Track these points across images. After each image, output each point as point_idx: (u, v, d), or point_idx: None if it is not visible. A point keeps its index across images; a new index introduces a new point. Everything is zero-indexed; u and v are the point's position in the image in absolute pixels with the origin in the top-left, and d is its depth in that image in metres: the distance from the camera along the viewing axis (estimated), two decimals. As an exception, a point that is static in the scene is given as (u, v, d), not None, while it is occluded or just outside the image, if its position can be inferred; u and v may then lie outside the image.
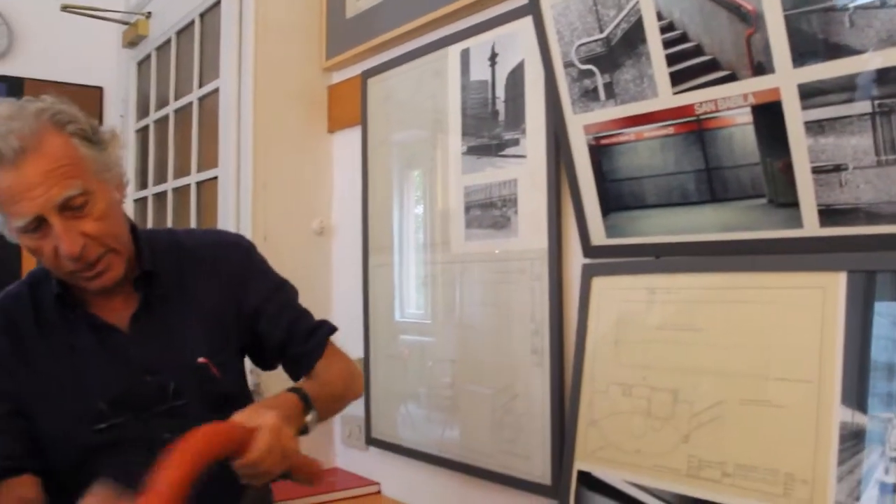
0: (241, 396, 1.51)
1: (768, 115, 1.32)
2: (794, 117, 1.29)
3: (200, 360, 1.44)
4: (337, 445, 2.51)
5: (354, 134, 2.41)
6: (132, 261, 1.41)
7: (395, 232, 2.22)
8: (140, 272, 1.41)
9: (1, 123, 1.20)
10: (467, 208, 1.95)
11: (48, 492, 1.35)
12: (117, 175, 1.35)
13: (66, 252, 1.23)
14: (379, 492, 2.31)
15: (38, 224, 1.23)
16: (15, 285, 1.42)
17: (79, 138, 1.28)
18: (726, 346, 1.41)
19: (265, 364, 1.60)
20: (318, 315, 2.45)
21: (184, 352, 1.43)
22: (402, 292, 2.19)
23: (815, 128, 1.27)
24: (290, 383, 1.48)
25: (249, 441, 1.15)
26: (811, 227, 1.31)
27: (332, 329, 1.58)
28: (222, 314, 1.49)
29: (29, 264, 3.86)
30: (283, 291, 1.59)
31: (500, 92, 1.86)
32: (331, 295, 2.54)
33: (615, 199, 1.59)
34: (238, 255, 1.55)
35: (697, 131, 1.43)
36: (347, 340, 2.41)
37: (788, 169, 1.32)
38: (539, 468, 1.74)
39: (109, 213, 1.30)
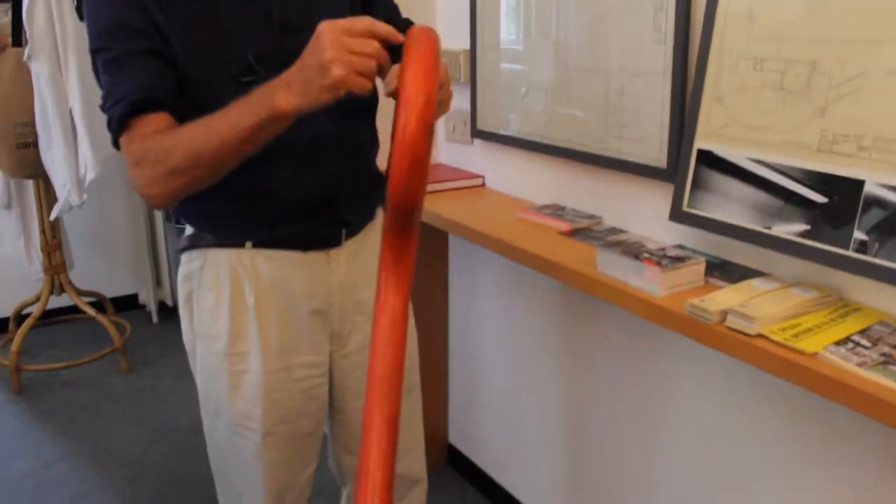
0: None
1: None
2: None
3: None
4: (440, 141, 2.51)
5: None
6: None
7: None
8: None
9: None
10: None
11: None
12: None
13: None
14: (483, 184, 2.33)
15: None
16: None
17: None
18: (877, 11, 1.29)
19: None
20: (421, 6, 2.38)
21: (323, 15, 1.38)
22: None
23: None
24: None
25: None
26: None
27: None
28: None
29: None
30: None
31: None
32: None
33: None
34: None
35: None
36: (452, 32, 2.34)
37: None
38: (654, 151, 1.70)
39: None
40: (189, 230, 1.48)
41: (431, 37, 1.10)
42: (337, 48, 1.06)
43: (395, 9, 1.60)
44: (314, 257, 1.46)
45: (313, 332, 1.49)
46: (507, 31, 2.11)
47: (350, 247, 1.49)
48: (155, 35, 1.28)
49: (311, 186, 1.40)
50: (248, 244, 1.43)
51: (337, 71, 1.06)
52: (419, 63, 1.04)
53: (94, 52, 1.31)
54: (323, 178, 1.41)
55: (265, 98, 1.14)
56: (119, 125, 1.26)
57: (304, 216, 1.42)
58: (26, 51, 3.11)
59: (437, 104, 1.15)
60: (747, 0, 1.47)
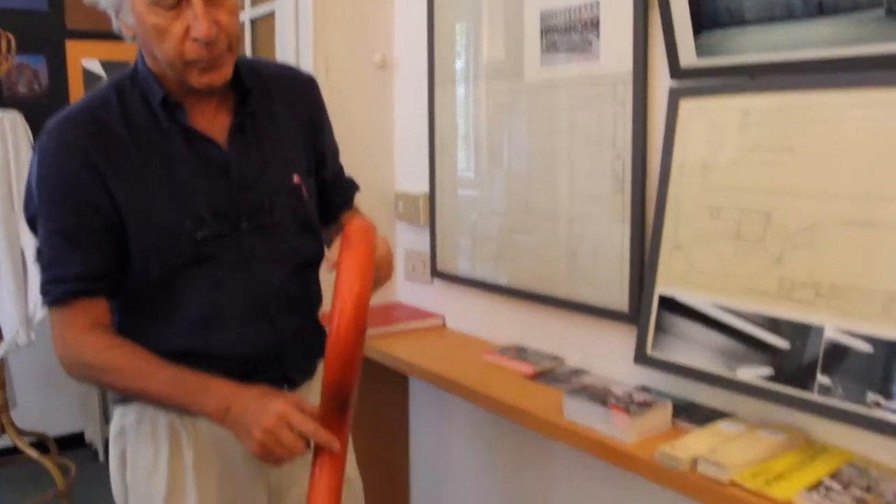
0: (317, 225, 1.52)
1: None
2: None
3: (295, 179, 1.44)
4: (399, 280, 2.53)
5: (416, -40, 2.31)
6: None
7: (462, 62, 2.15)
8: (240, 89, 1.39)
9: None
10: (543, 33, 1.87)
11: (133, 308, 1.37)
12: None
13: (204, 34, 1.21)
14: (444, 325, 2.34)
15: (178, 2, 1.21)
16: (99, 90, 1.36)
17: None
18: (827, 167, 1.36)
19: None
20: (381, 151, 2.44)
21: (279, 171, 1.42)
22: (470, 123, 2.14)
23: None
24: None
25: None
26: (932, 36, 1.24)
27: (358, 188, 1.69)
28: (303, 144, 1.50)
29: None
30: (335, 140, 1.63)
31: None
32: (393, 130, 2.49)
33: (709, 16, 1.51)
34: (314, 93, 1.56)
35: (807, -64, 1.34)
36: (411, 175, 2.40)
37: (912, -27, 1.23)
38: (616, 295, 1.74)
39: (237, 11, 1.30)
40: None
41: (367, 239, 1.18)
42: (269, 435, 1.19)
43: (341, 170, 1.66)
44: None
45: (252, 488, 1.45)
46: (466, 174, 2.17)
47: None
48: (106, 208, 1.29)
49: (257, 346, 1.39)
50: None
51: (255, 450, 1.20)
52: (353, 267, 1.13)
53: (37, 215, 1.31)
54: (270, 338, 1.40)
55: (203, 398, 1.26)
56: (54, 304, 1.30)
57: (248, 374, 1.37)
58: (-21, 190, 3.10)
59: (377, 281, 1.29)
60: (702, 152, 1.54)
